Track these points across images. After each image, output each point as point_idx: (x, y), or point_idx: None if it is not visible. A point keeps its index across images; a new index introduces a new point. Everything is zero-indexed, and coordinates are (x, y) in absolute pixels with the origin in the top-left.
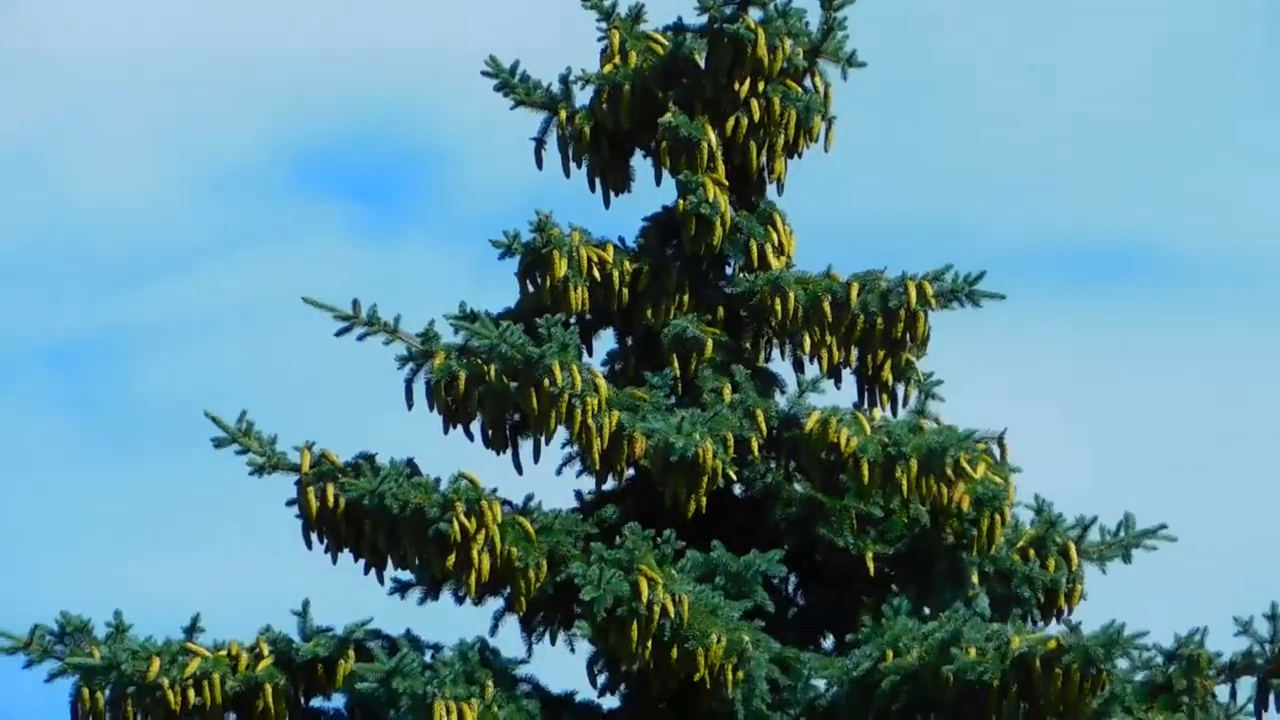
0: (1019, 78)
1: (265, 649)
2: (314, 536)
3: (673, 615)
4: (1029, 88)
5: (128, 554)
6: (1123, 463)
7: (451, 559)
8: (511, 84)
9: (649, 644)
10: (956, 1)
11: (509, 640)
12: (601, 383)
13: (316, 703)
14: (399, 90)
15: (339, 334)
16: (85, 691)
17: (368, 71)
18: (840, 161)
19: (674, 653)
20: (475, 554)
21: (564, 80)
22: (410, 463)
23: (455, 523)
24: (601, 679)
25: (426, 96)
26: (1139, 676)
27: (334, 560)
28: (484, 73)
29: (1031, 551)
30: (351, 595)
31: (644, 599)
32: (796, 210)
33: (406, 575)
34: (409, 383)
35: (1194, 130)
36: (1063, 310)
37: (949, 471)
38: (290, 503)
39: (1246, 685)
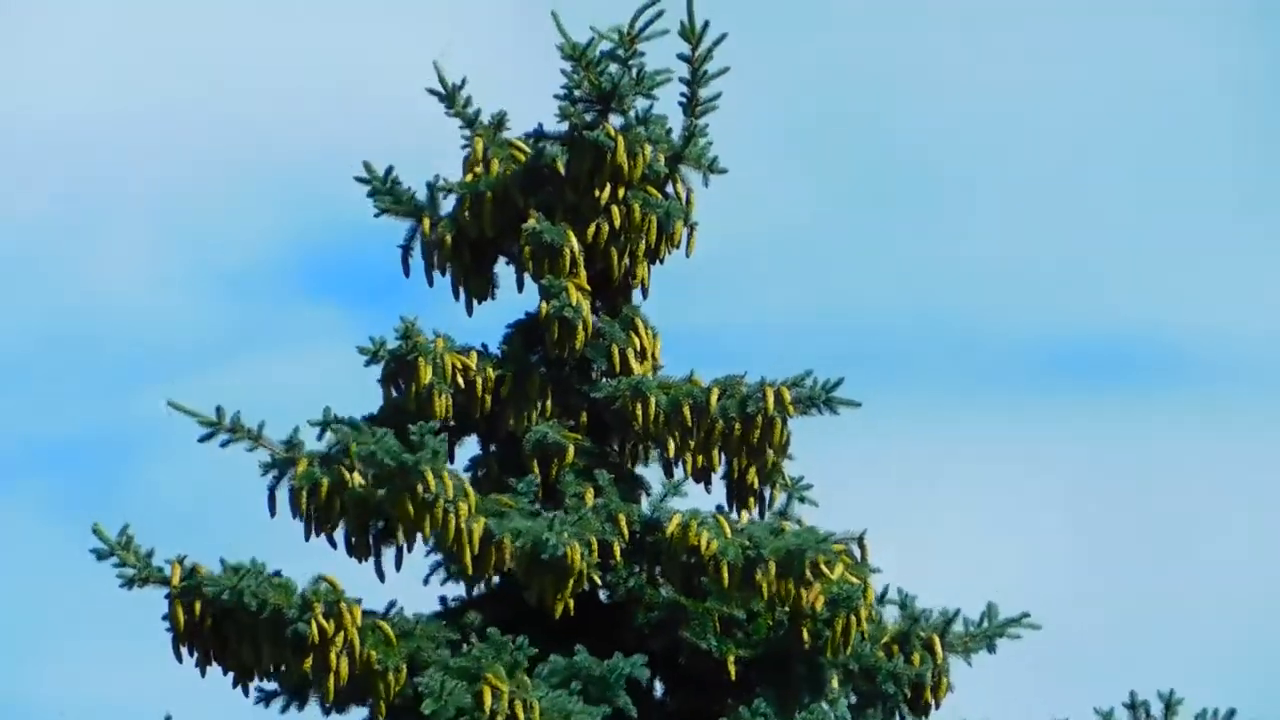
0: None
1: None
2: (184, 650)
3: None
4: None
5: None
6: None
7: (309, 662)
8: (380, 191)
9: None
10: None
11: None
12: (470, 489)
13: None
14: None
15: (202, 440)
16: None
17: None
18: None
19: None
20: (334, 656)
21: (430, 187)
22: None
23: (314, 624)
24: None
25: None
26: None
27: (203, 673)
28: (358, 178)
29: (895, 647)
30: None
31: (487, 709)
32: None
33: (273, 686)
34: (272, 490)
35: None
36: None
37: (807, 573)
38: (164, 617)
39: None
